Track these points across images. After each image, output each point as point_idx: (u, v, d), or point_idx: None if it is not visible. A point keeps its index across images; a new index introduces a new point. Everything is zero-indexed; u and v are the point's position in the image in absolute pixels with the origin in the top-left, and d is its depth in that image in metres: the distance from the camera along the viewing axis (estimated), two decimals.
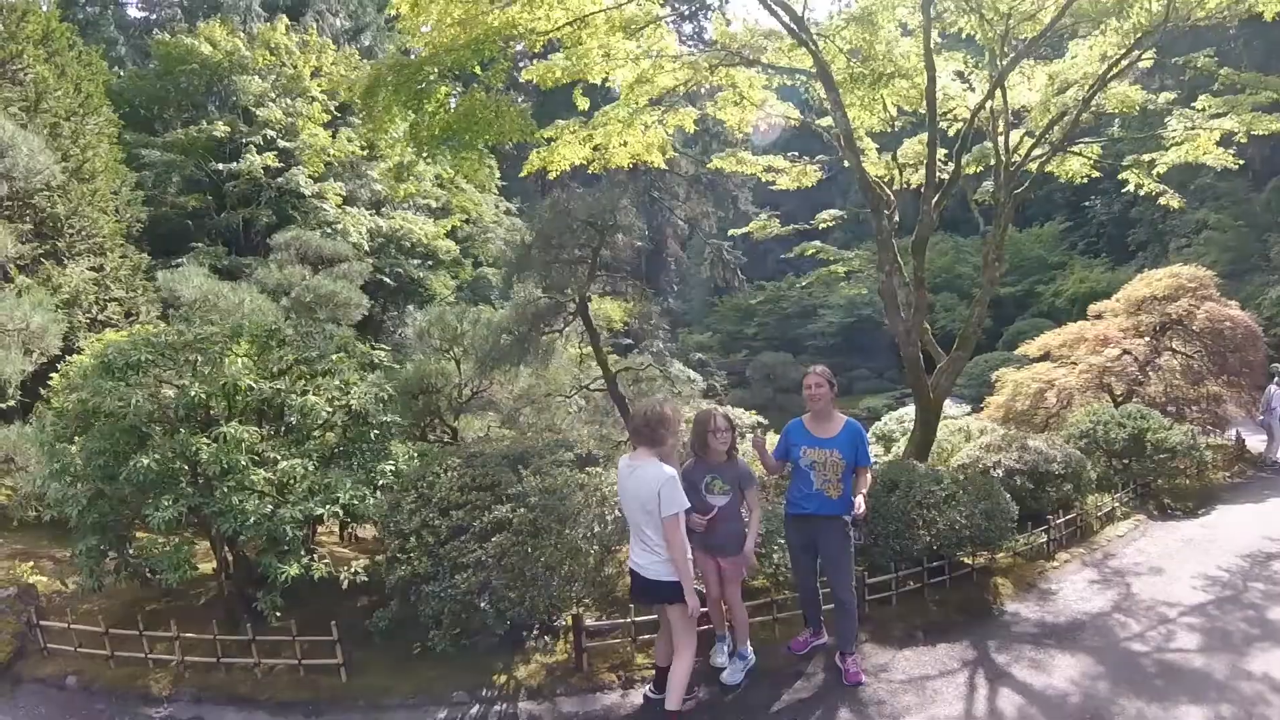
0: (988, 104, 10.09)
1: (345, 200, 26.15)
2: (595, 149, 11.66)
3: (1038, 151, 10.41)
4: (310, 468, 6.11)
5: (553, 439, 7.10)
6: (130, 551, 6.22)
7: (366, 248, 24.83)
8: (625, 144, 11.77)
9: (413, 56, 10.96)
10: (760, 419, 16.38)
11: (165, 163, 23.98)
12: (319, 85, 26.90)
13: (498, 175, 28.73)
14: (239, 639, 5.78)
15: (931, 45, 8.88)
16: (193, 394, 5.98)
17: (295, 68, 26.73)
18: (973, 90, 11.39)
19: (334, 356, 7.18)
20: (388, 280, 25.61)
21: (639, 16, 9.84)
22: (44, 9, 17.73)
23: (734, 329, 40.55)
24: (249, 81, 25.34)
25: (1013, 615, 6.77)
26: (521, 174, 13.41)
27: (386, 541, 5.98)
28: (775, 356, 32.82)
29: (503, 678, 5.60)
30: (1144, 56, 10.14)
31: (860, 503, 5.24)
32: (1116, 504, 9.78)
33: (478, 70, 9.40)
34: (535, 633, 5.98)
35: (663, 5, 10.53)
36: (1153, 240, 29.28)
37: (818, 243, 13.39)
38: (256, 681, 5.66)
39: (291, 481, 6.00)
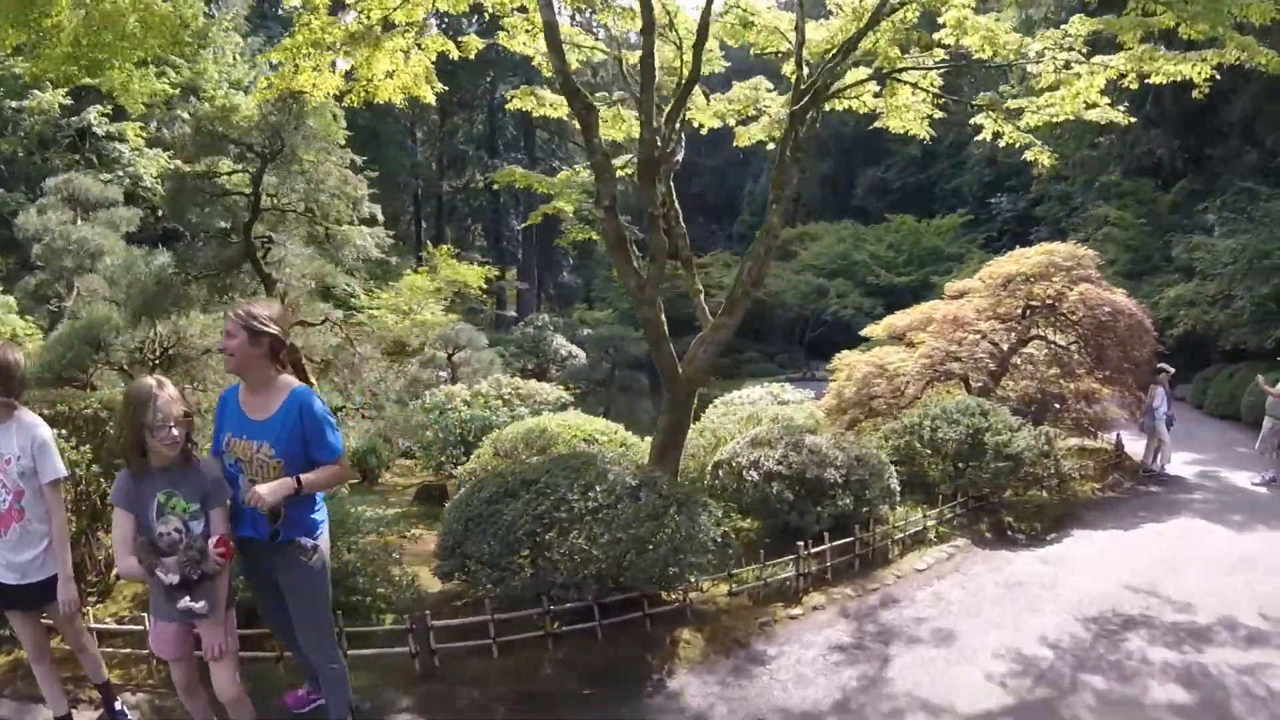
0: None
1: (153, 143, 23.20)
2: (349, 77, 9.22)
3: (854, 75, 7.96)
4: None
5: None
6: None
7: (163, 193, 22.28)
8: (391, 75, 9.22)
9: None
10: (566, 394, 13.43)
11: None
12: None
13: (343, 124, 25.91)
14: None
15: None
16: None
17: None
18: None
19: None
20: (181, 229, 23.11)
21: None
22: None
23: (630, 307, 38.19)
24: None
25: (670, 696, 4.22)
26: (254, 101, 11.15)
27: None
28: (613, 329, 30.45)
29: None
30: None
31: (272, 489, 3.16)
32: (933, 521, 7.34)
33: None
34: None
35: None
36: (1054, 237, 27.68)
37: (518, 169, 10.82)
38: None
39: None
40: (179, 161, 10.11)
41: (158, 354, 10.59)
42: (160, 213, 20.97)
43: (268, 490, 3.12)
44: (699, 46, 6.84)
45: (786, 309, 31.96)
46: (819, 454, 6.36)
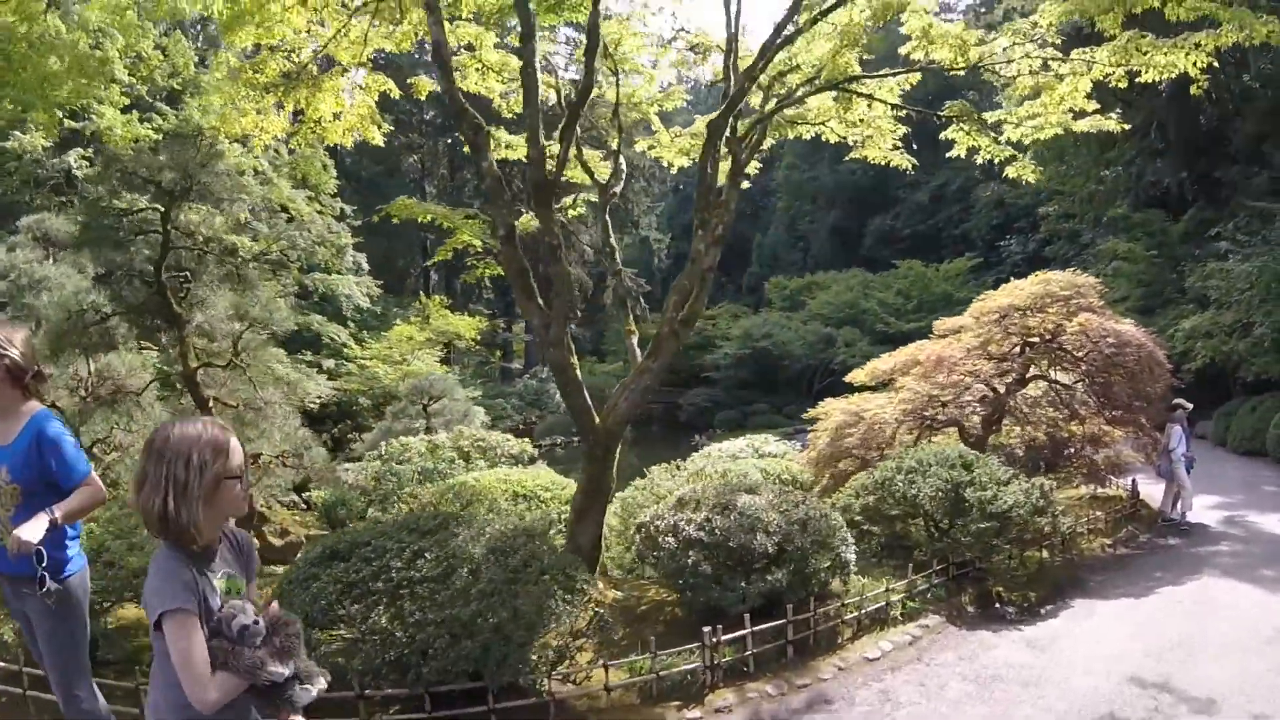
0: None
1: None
2: (298, 118, 9.02)
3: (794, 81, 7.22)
4: None
5: None
6: None
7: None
8: (337, 116, 8.99)
9: None
10: (530, 448, 13.04)
11: None
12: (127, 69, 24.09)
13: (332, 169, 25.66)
14: None
15: None
16: None
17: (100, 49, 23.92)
18: None
19: None
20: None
21: None
22: None
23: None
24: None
25: None
26: None
27: None
28: (594, 379, 30.32)
29: None
30: None
31: (31, 530, 2.91)
32: (899, 595, 6.30)
33: None
34: None
35: None
36: None
37: (413, 200, 10.52)
38: None
39: None
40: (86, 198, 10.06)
41: (86, 392, 10.16)
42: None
43: (27, 531, 2.90)
44: (590, 54, 6.11)
45: (795, 359, 31.41)
46: (749, 517, 5.39)
